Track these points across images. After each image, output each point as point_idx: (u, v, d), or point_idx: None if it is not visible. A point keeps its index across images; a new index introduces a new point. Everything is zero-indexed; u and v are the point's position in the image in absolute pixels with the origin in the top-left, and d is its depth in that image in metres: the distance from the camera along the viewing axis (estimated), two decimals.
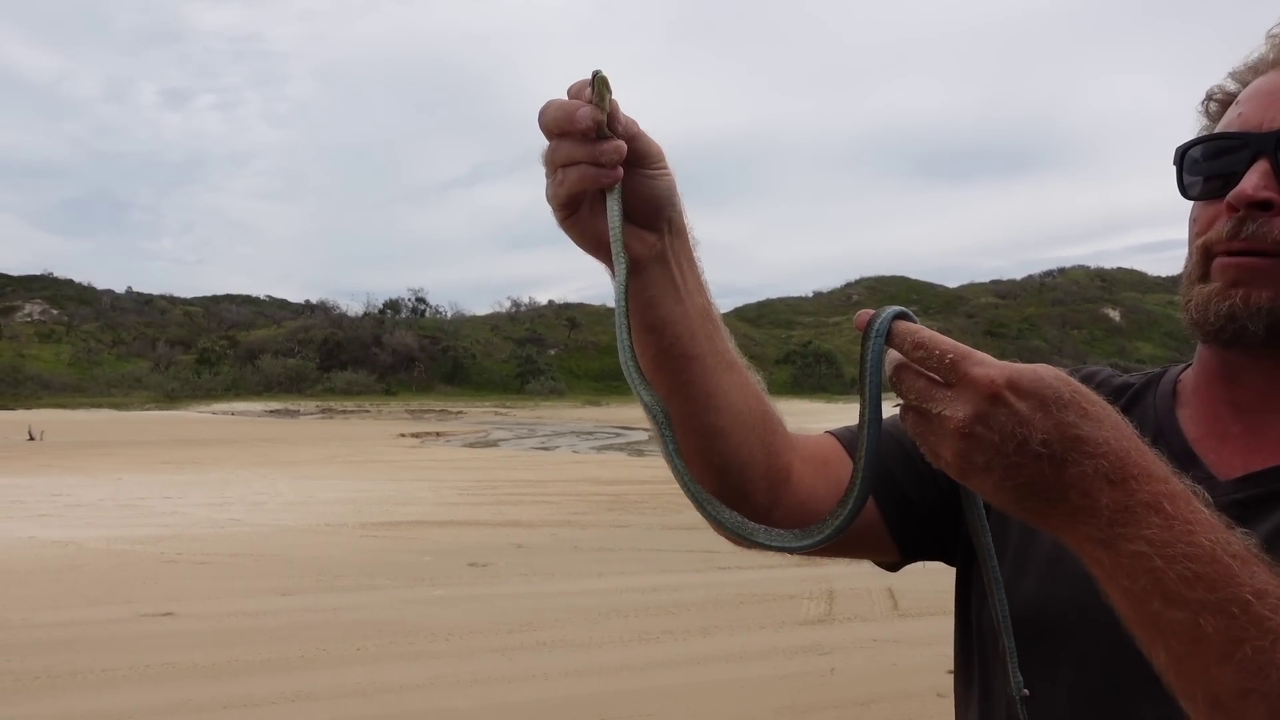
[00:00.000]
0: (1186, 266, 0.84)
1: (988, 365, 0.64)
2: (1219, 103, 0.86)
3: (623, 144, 0.76)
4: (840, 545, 0.89)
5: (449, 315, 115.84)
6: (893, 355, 0.68)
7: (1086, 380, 0.94)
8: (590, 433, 39.84)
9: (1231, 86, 0.86)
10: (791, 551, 0.75)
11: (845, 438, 0.98)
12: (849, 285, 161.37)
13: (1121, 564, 0.61)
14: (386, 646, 6.15)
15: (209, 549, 9.77)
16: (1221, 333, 0.79)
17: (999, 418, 0.62)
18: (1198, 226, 0.83)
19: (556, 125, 0.76)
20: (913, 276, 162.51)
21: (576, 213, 0.80)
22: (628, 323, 0.79)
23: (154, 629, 6.56)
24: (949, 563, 0.99)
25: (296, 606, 7.27)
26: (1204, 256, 0.81)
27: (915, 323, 0.70)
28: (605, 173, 0.76)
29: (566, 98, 0.77)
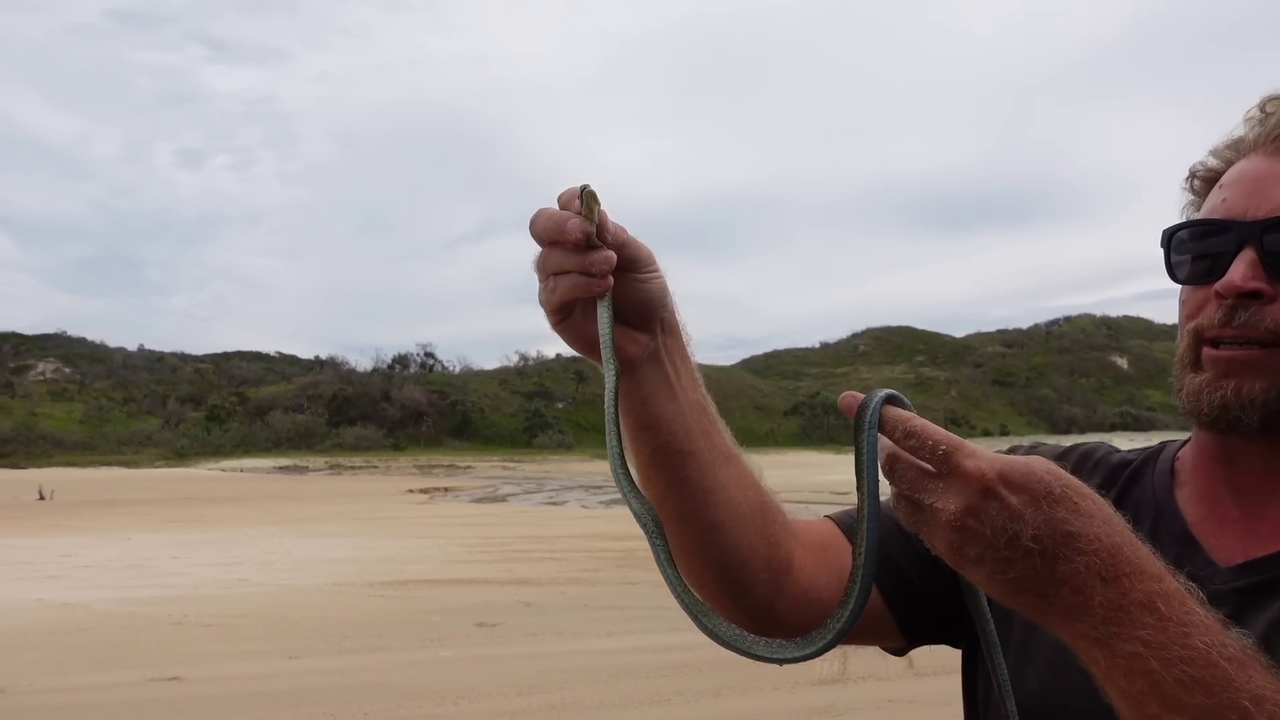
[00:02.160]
0: (1178, 350, 0.84)
1: (979, 458, 0.64)
2: (1203, 180, 0.88)
3: (612, 254, 0.78)
4: (853, 633, 0.90)
5: (457, 370, 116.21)
6: (884, 442, 0.68)
7: (1084, 459, 0.96)
8: (599, 487, 39.58)
9: (1214, 164, 0.87)
10: (795, 661, 0.74)
11: (845, 522, 0.98)
12: (855, 336, 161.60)
13: (1118, 664, 0.61)
14: (395, 710, 6.07)
15: (216, 610, 9.70)
16: (1216, 423, 0.79)
17: (990, 511, 0.62)
18: (1187, 309, 0.83)
19: (547, 235, 0.78)
20: (919, 326, 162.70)
21: (569, 317, 0.82)
22: (618, 429, 0.80)
23: (161, 694, 6.50)
24: (954, 645, 0.99)
25: (304, 669, 7.19)
26: (1195, 341, 0.81)
27: (906, 407, 0.70)
28: (595, 282, 0.78)
29: (557, 205, 0.80)
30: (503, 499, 33.84)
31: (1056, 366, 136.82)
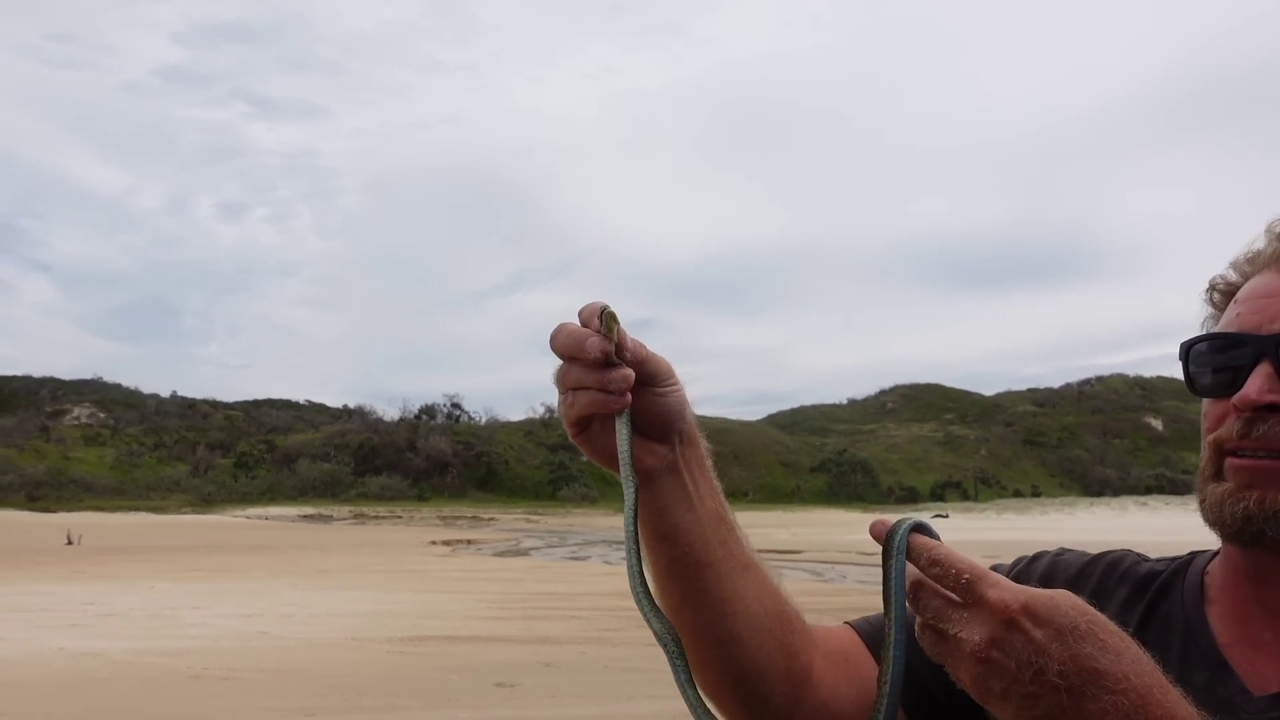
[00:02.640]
0: (1201, 461, 0.84)
1: (1003, 589, 0.65)
2: (1222, 293, 0.89)
3: (630, 373, 0.79)
4: None
5: (483, 421, 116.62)
6: (910, 570, 0.69)
7: (1111, 567, 0.93)
8: (622, 542, 39.18)
9: (1233, 277, 0.88)
10: None
11: (865, 630, 0.97)
12: (884, 393, 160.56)
13: None
14: None
15: (235, 663, 9.65)
16: (1240, 535, 0.79)
17: (1015, 644, 0.62)
18: (1208, 422, 0.84)
19: (566, 351, 0.80)
20: (948, 384, 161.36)
21: (587, 430, 0.84)
22: (637, 547, 0.81)
23: None
24: None
25: None
26: (1216, 453, 0.82)
27: (934, 535, 0.71)
28: (613, 399, 0.79)
29: (578, 321, 0.81)
30: (525, 553, 33.62)
31: (1089, 427, 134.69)
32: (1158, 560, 0.95)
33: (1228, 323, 0.85)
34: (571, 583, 20.13)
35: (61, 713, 7.48)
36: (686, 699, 0.77)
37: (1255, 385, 0.78)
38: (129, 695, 8.14)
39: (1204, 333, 0.89)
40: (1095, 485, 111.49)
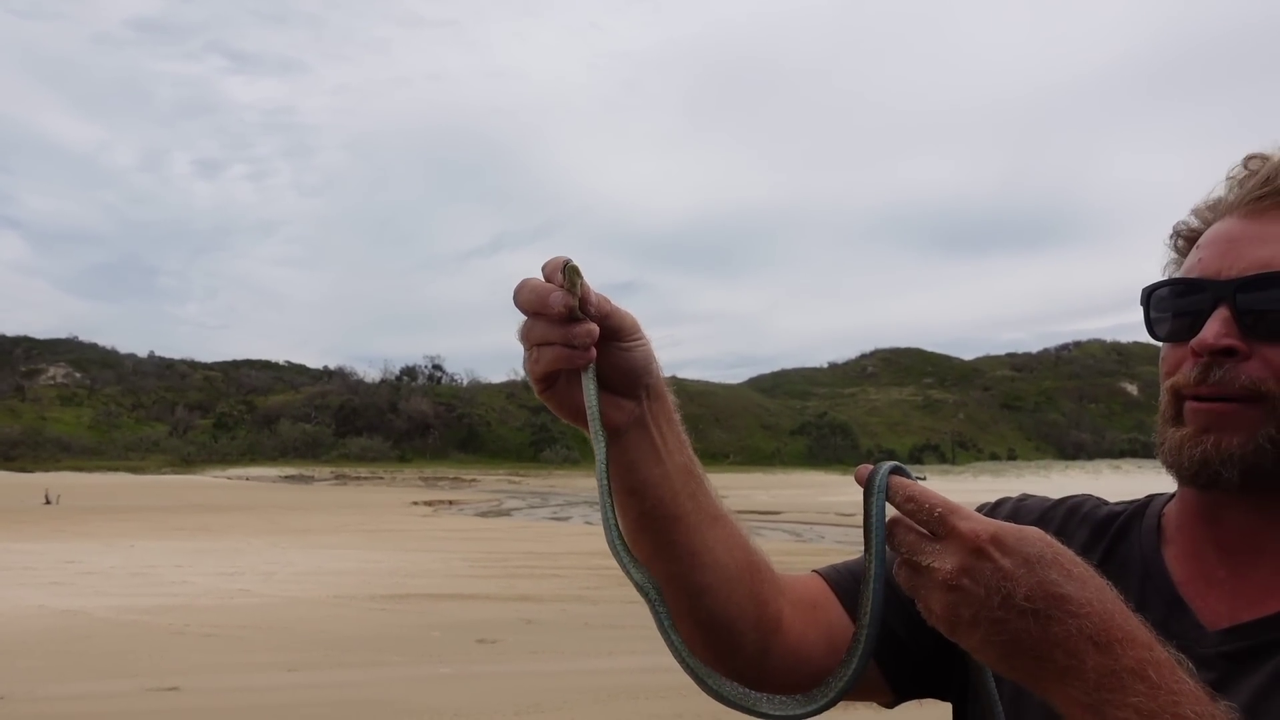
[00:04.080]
0: (1160, 406, 0.86)
1: (973, 521, 0.68)
2: (1185, 239, 0.90)
3: (594, 327, 0.79)
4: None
5: (465, 383, 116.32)
6: (888, 510, 0.73)
7: (1072, 511, 0.96)
8: None
9: (1195, 223, 0.89)
10: (800, 718, 0.76)
11: (832, 578, 0.98)
12: (864, 357, 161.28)
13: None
14: None
15: (217, 620, 9.70)
16: (1197, 478, 0.80)
17: (983, 571, 0.66)
18: (1166, 366, 0.85)
19: (530, 306, 0.79)
20: (928, 349, 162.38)
21: (554, 387, 0.83)
22: (611, 500, 0.81)
23: (159, 704, 6.49)
24: (943, 699, 0.99)
25: (303, 683, 7.17)
26: (1174, 398, 0.83)
27: (910, 477, 0.75)
28: (578, 354, 0.79)
29: (541, 276, 0.80)
30: (507, 513, 33.78)
31: (1066, 391, 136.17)
32: (1117, 503, 0.98)
33: (1189, 268, 0.86)
34: (553, 542, 20.29)
35: (44, 668, 7.50)
36: (670, 645, 0.78)
37: (1213, 330, 0.79)
38: (111, 651, 8.16)
39: (1165, 278, 0.90)
40: (1070, 449, 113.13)
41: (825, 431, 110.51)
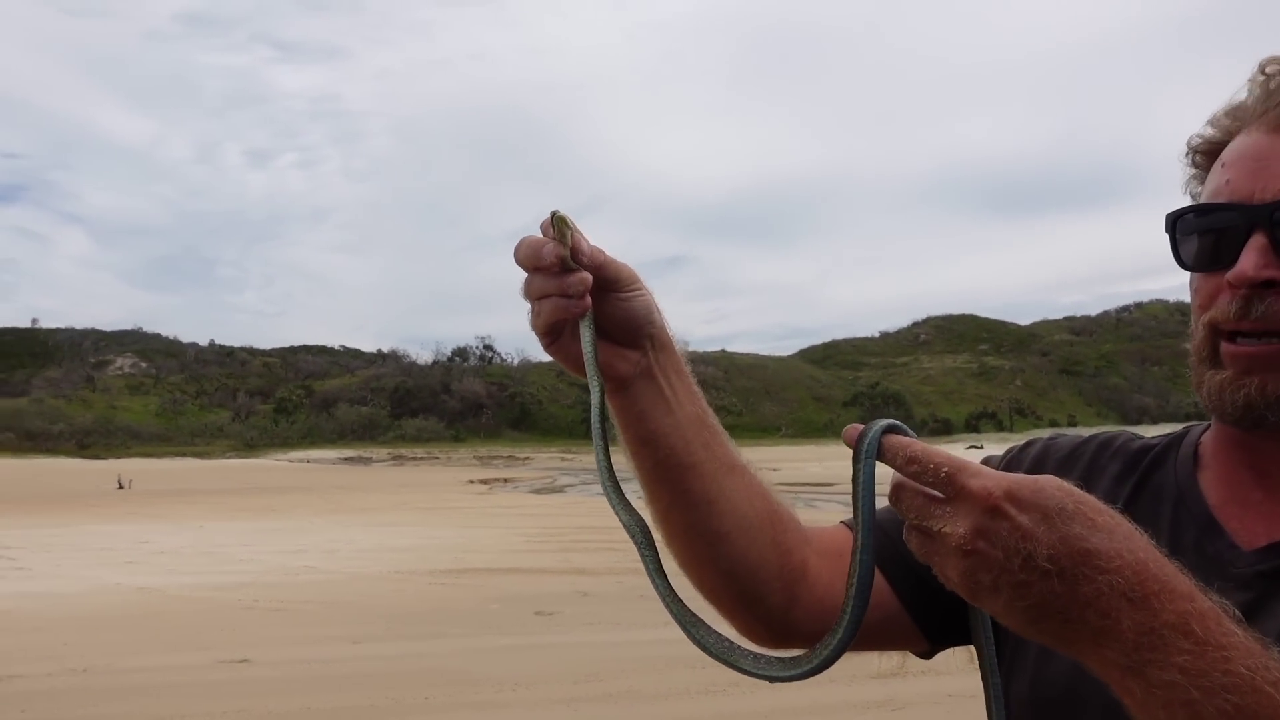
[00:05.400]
0: (1194, 341, 0.80)
1: (984, 477, 0.61)
2: (1204, 154, 0.83)
3: (587, 276, 0.80)
4: (865, 639, 0.86)
5: (516, 362, 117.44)
6: (890, 474, 0.67)
7: (1104, 446, 0.92)
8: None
9: (1213, 134, 0.82)
10: (778, 681, 0.74)
11: None
12: (916, 325, 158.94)
13: (1154, 695, 0.57)
14: (455, 696, 6.17)
15: (284, 596, 9.99)
16: (1241, 421, 0.76)
17: (1001, 532, 0.59)
18: (1200, 298, 0.79)
19: (527, 261, 0.81)
20: (982, 314, 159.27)
21: (559, 340, 0.84)
22: (605, 444, 0.81)
23: (230, 676, 6.71)
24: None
25: (367, 654, 7.36)
26: (1211, 334, 0.77)
27: (908, 435, 0.68)
28: (574, 303, 0.80)
29: (539, 234, 0.81)
30: (560, 490, 34.13)
31: (1127, 354, 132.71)
32: (1153, 437, 0.94)
33: (1216, 190, 0.78)
34: (606, 517, 20.25)
35: (122, 642, 7.81)
36: (656, 587, 0.78)
37: (1251, 260, 0.73)
38: (184, 626, 8.47)
39: (1191, 203, 0.83)
40: (1133, 414, 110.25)
41: (879, 402, 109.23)
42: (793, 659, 0.74)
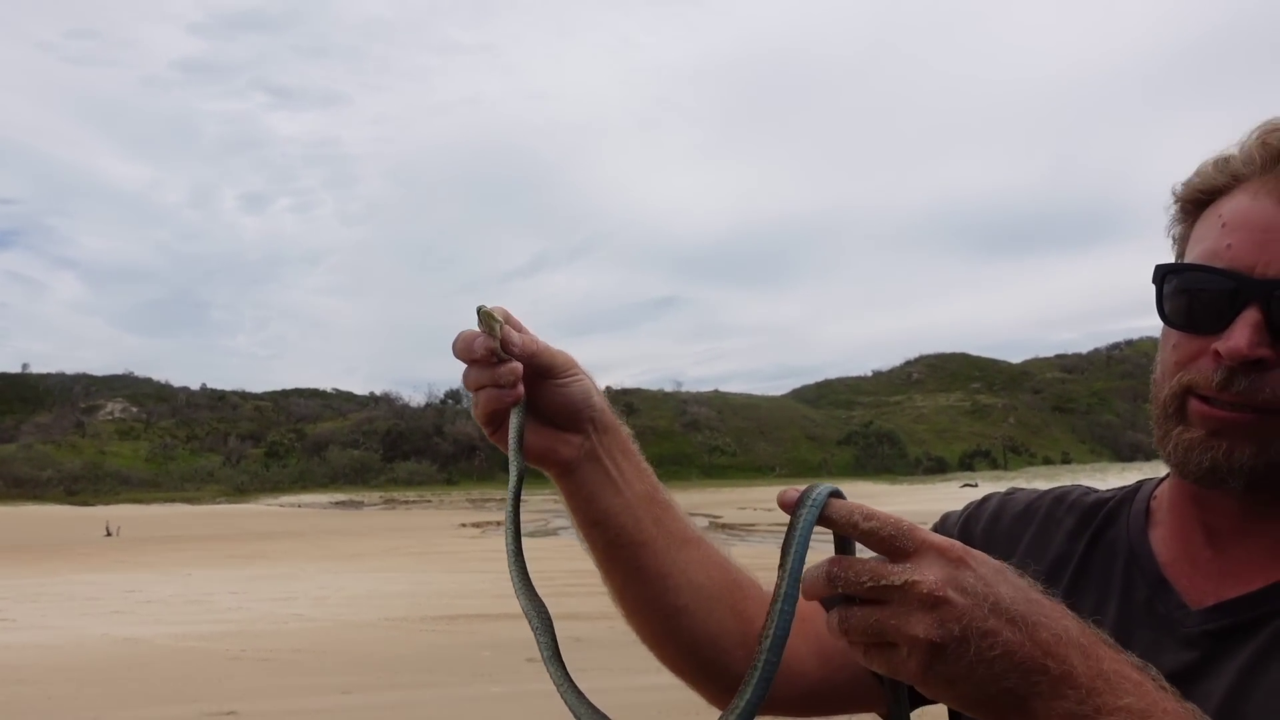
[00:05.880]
0: (1161, 394, 0.79)
1: (940, 535, 0.63)
2: (1191, 202, 0.82)
3: (518, 365, 0.83)
4: (833, 700, 0.88)
5: None
6: (824, 547, 0.65)
7: (1059, 500, 0.94)
8: None
9: (1199, 184, 0.81)
10: None
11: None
12: (909, 364, 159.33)
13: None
14: None
15: (272, 645, 9.85)
16: (1202, 481, 0.76)
17: (968, 580, 0.60)
18: (1177, 355, 0.78)
19: (462, 354, 0.84)
20: (974, 353, 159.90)
21: (500, 428, 0.87)
22: (515, 528, 0.83)
23: None
24: (945, 702, 0.95)
25: (357, 705, 7.25)
26: (1183, 392, 0.77)
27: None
28: (506, 393, 0.83)
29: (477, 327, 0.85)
30: (554, 532, 33.85)
31: (1119, 391, 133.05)
32: (1106, 491, 0.95)
33: (1214, 252, 0.76)
34: None
35: (107, 695, 7.68)
36: (551, 675, 0.78)
37: (1245, 336, 0.71)
38: (171, 678, 8.33)
39: (1175, 247, 0.83)
40: (1127, 450, 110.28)
41: (872, 441, 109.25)
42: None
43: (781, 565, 0.65)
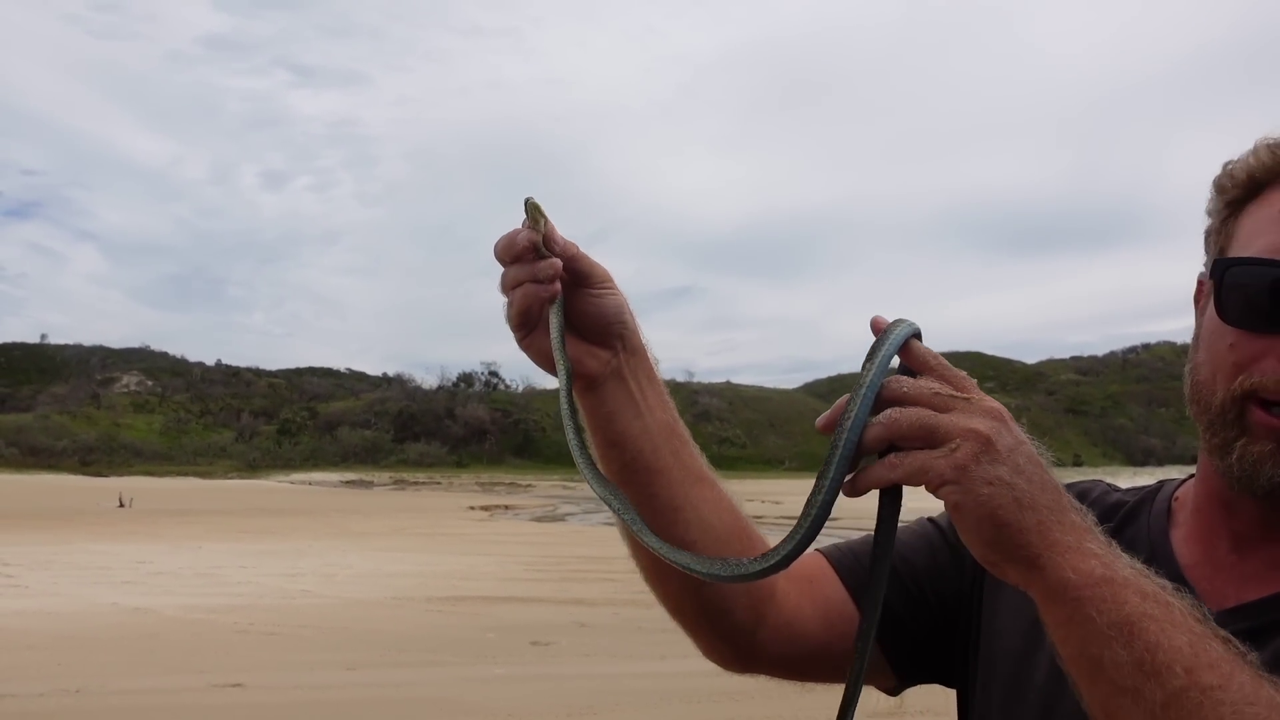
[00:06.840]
0: (1210, 398, 0.76)
1: None
2: (1244, 187, 0.78)
3: (557, 261, 0.80)
4: (835, 671, 0.86)
5: (520, 389, 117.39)
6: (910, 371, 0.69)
7: (1081, 496, 0.91)
8: None
9: (1255, 165, 0.77)
10: (750, 579, 0.70)
11: (833, 555, 0.96)
12: None
13: (1125, 584, 0.63)
14: None
15: (280, 620, 9.94)
16: (1269, 497, 0.74)
17: (1014, 428, 0.66)
18: (1235, 356, 0.74)
19: (503, 252, 0.81)
20: (989, 352, 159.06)
21: (532, 334, 0.84)
22: (574, 422, 0.81)
23: (223, 700, 6.67)
24: (948, 685, 0.95)
25: (361, 681, 7.31)
26: (1243, 395, 0.73)
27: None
28: (543, 288, 0.80)
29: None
30: (562, 518, 33.99)
31: (1134, 395, 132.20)
32: (1127, 490, 0.94)
33: (1277, 246, 0.73)
34: (607, 547, 20.32)
35: (116, 663, 7.77)
36: (646, 544, 0.75)
37: None
38: (179, 648, 8.43)
39: (1258, 255, 0.75)
40: (1139, 454, 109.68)
41: None
42: (762, 555, 0.70)
43: (864, 370, 0.68)
